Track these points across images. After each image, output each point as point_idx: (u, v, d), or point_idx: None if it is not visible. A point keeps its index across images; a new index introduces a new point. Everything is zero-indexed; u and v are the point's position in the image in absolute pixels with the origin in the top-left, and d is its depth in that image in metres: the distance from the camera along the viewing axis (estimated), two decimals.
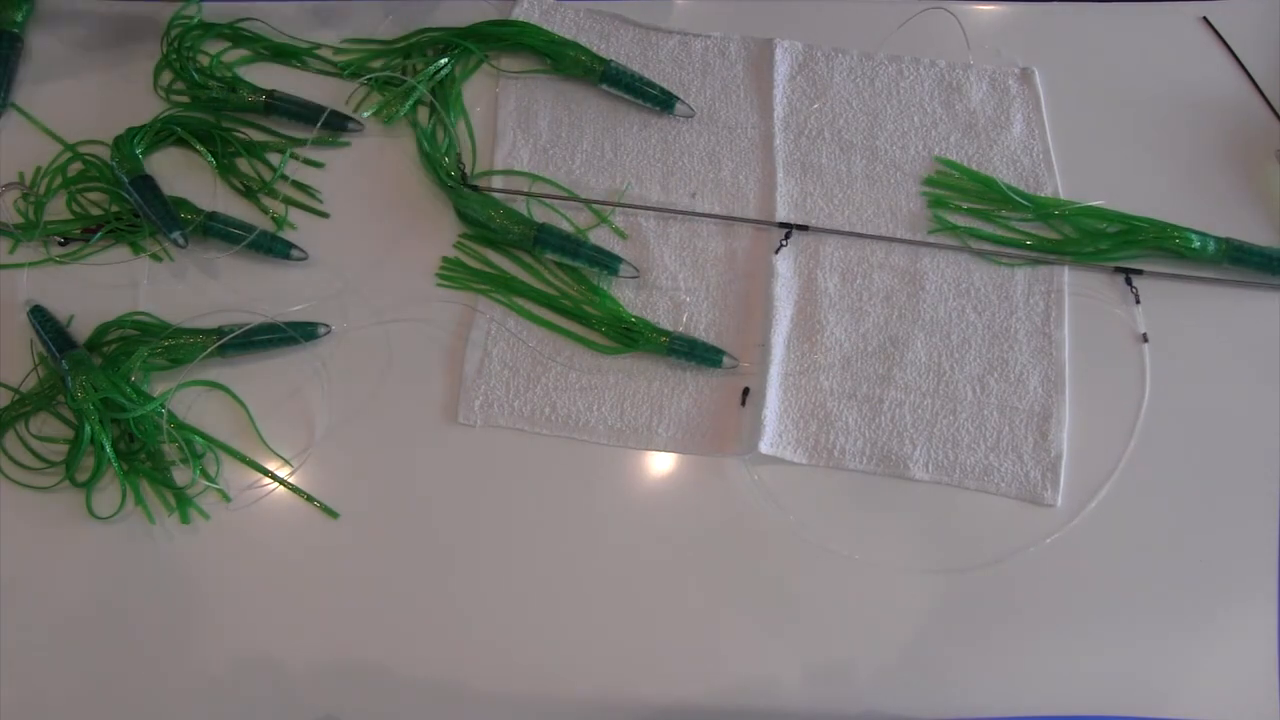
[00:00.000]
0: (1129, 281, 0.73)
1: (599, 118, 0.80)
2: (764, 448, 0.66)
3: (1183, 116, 0.75)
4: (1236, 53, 0.82)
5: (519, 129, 0.79)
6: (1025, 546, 0.65)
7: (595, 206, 0.76)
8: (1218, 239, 0.72)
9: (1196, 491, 0.67)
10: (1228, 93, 0.81)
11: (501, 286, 0.73)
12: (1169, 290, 0.73)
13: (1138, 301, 0.72)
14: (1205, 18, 0.84)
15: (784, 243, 0.73)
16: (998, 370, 0.70)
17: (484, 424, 0.68)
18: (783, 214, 0.75)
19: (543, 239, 0.72)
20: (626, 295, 0.73)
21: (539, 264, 0.74)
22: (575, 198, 0.76)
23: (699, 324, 0.72)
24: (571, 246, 0.72)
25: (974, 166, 0.78)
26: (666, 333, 0.70)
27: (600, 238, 0.75)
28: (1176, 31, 0.83)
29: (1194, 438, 0.68)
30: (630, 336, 0.70)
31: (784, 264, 0.73)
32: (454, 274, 0.73)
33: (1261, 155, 0.78)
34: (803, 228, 0.74)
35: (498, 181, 0.77)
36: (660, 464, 0.68)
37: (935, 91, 0.81)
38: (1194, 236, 0.72)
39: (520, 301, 0.72)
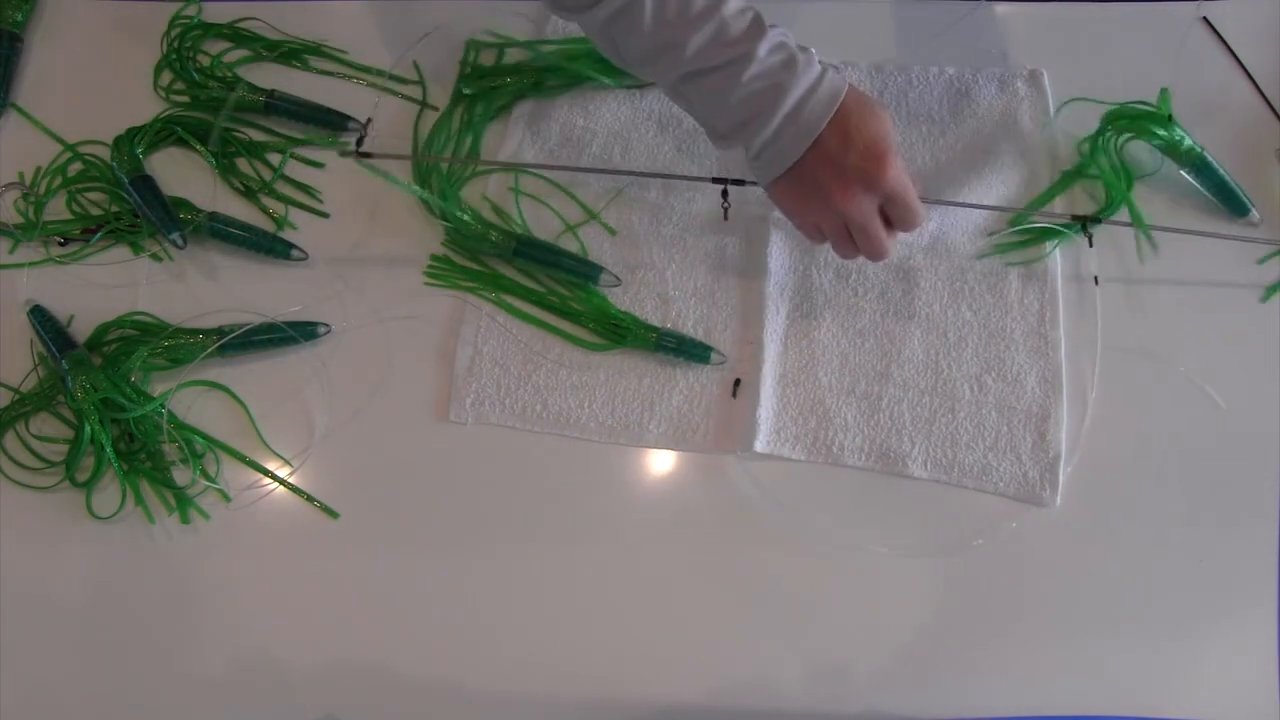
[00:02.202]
0: (1084, 228, 0.71)
1: (614, 122, 0.80)
2: (760, 445, 0.66)
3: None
4: (1236, 53, 0.82)
5: (529, 130, 0.79)
6: (1024, 546, 0.65)
7: (586, 204, 0.75)
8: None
9: (1196, 490, 0.67)
10: (1228, 93, 0.81)
11: (489, 284, 0.73)
12: (1170, 290, 0.73)
13: (1090, 245, 0.72)
14: (1205, 18, 0.84)
15: (726, 203, 0.71)
16: (995, 369, 0.70)
17: (475, 421, 0.68)
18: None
19: (522, 251, 0.72)
20: (614, 293, 0.73)
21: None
22: (559, 180, 0.75)
23: (687, 321, 0.72)
24: (551, 258, 0.72)
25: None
26: (655, 329, 0.70)
27: (589, 234, 0.75)
28: (1176, 31, 0.83)
29: (1194, 436, 0.68)
30: (618, 332, 0.70)
31: (778, 261, 0.73)
32: (442, 272, 0.73)
33: (1261, 155, 0.77)
34: (739, 182, 0.70)
35: (493, 180, 0.77)
36: (655, 461, 0.68)
37: (944, 98, 0.80)
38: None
39: (508, 299, 0.72)
